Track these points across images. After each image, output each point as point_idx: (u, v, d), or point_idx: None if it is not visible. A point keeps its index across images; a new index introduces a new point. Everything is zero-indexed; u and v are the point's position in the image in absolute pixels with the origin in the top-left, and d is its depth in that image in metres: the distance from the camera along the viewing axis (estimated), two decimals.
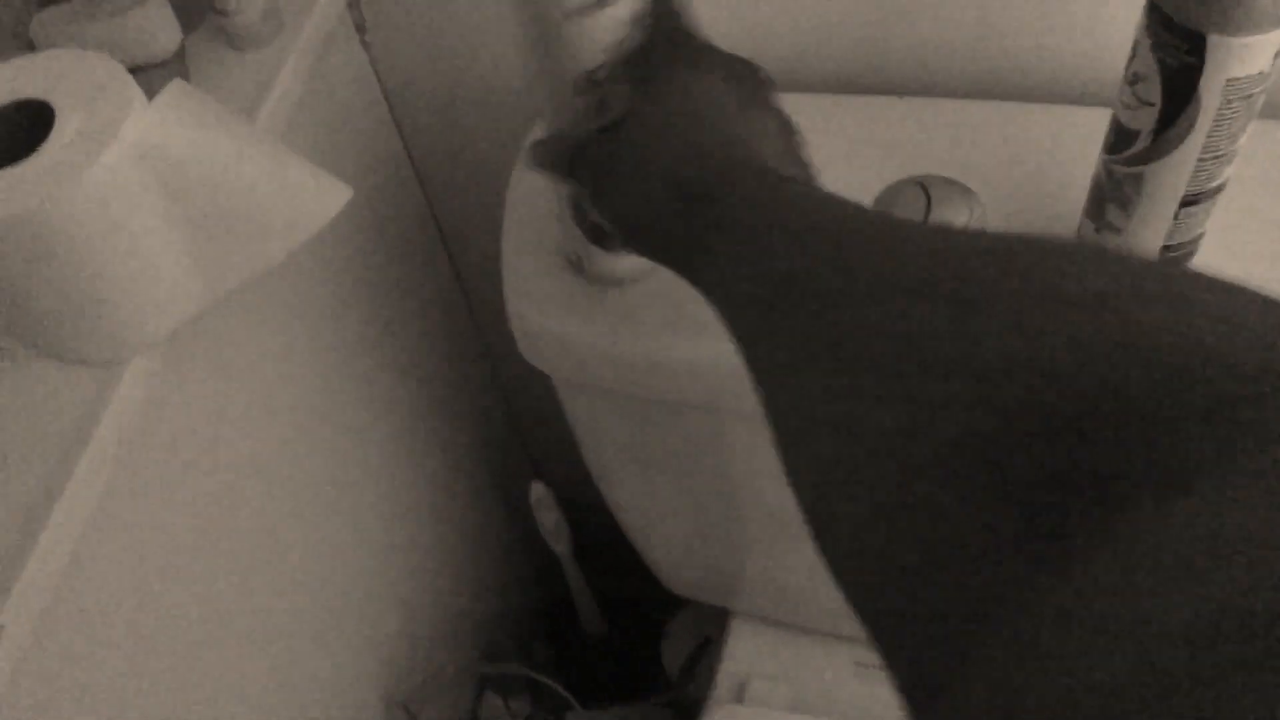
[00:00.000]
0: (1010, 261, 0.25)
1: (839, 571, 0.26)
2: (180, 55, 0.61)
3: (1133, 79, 0.44)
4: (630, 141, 0.42)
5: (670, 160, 0.40)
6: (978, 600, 0.20)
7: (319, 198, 0.55)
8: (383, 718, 0.89)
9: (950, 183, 0.55)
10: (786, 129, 0.42)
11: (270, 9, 0.63)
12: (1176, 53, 0.42)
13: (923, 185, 0.54)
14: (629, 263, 0.57)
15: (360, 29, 0.71)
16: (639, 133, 0.42)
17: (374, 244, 0.78)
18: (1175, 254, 0.49)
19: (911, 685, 0.23)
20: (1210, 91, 0.42)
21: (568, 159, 0.45)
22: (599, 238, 0.53)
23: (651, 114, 0.42)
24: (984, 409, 0.22)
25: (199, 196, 0.51)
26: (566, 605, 1.21)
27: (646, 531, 0.84)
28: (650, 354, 0.59)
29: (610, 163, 0.43)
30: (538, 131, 0.49)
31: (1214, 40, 0.41)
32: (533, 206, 0.64)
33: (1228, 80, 0.42)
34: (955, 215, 0.53)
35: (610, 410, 0.68)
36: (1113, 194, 0.48)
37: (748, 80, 0.43)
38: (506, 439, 1.12)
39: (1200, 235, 0.49)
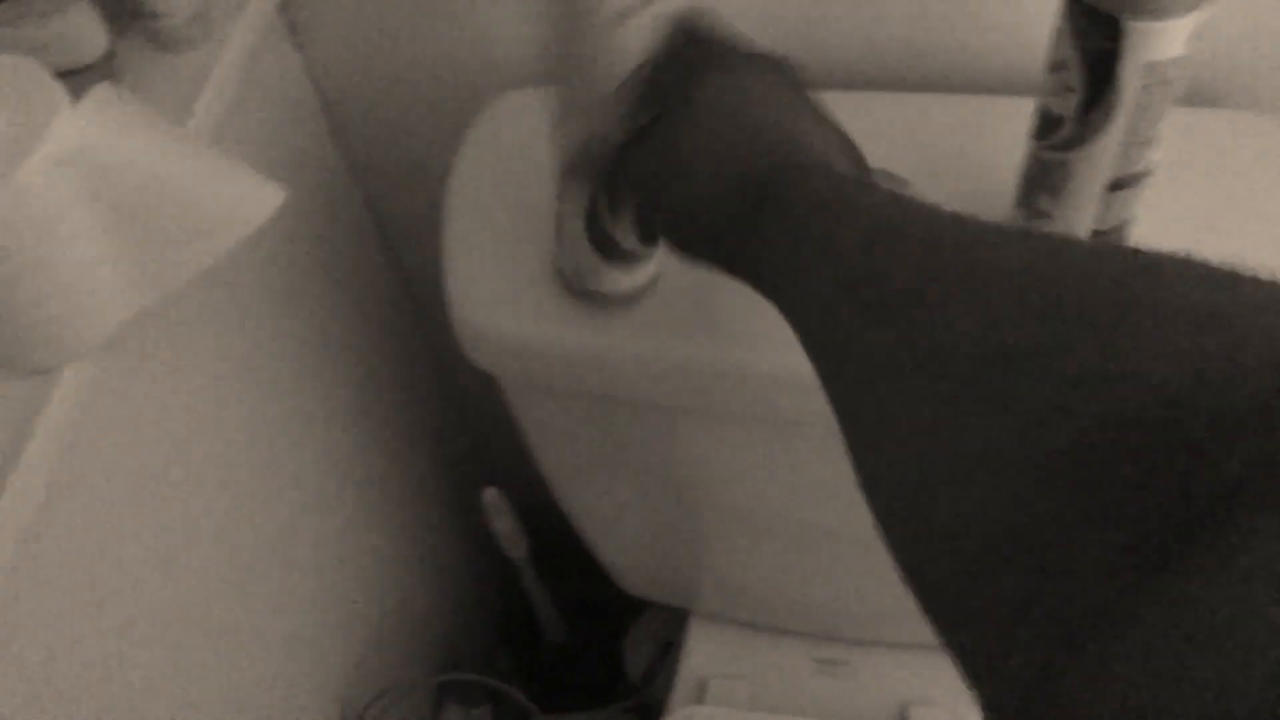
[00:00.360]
0: (1099, 267, 0.25)
1: (930, 574, 0.26)
2: (109, 59, 0.60)
3: (1055, 66, 0.45)
4: (680, 145, 0.41)
5: (727, 160, 0.40)
6: (1090, 604, 0.20)
7: (250, 200, 0.54)
8: None
9: (886, 175, 0.55)
10: (829, 121, 0.42)
11: (199, 11, 0.63)
12: (1095, 38, 0.42)
13: None
14: (638, 279, 0.56)
15: (293, 30, 0.70)
16: (689, 135, 0.41)
17: (312, 247, 0.77)
18: (1107, 239, 0.50)
19: (1005, 686, 0.23)
20: (1130, 76, 0.42)
21: (607, 166, 0.45)
22: (610, 253, 0.52)
23: (700, 116, 0.41)
24: (1092, 422, 0.22)
25: (127, 200, 0.51)
26: (528, 612, 1.20)
27: (602, 534, 0.83)
28: (600, 352, 0.59)
29: (660, 167, 0.42)
30: (564, 136, 0.49)
31: (1130, 25, 0.41)
32: (473, 205, 0.63)
33: (1146, 64, 0.42)
34: None
35: (560, 411, 0.68)
36: (1042, 181, 0.49)
37: (784, 75, 0.43)
38: (459, 443, 1.11)
39: (1130, 220, 0.49)
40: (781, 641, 0.88)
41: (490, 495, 0.97)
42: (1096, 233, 0.49)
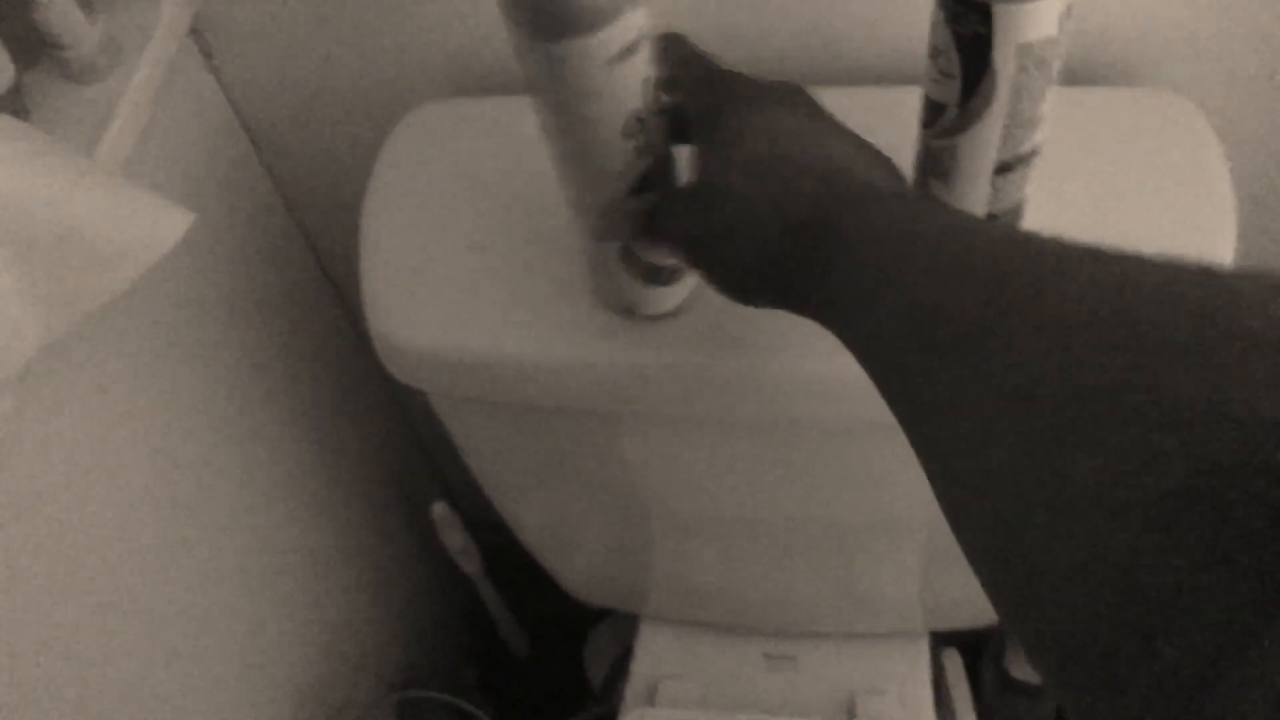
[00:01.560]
0: (1176, 290, 0.25)
1: (1037, 613, 0.25)
2: (15, 91, 0.60)
3: (934, 53, 0.46)
4: (723, 203, 0.41)
5: (774, 210, 0.39)
6: (1216, 644, 0.20)
7: (158, 226, 0.54)
8: None
9: None
10: (857, 138, 0.41)
11: (108, 41, 0.63)
12: (968, 23, 0.43)
13: None
14: (681, 293, 0.55)
15: (206, 53, 0.70)
16: (730, 191, 0.40)
17: (243, 267, 0.77)
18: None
19: None
20: (1004, 59, 0.43)
21: (640, 231, 0.45)
22: (653, 278, 0.52)
23: (735, 166, 0.41)
24: (1197, 462, 0.21)
25: (28, 232, 0.50)
26: (489, 627, 1.20)
27: (545, 544, 0.84)
28: (526, 360, 0.58)
29: (705, 229, 0.42)
30: (577, 194, 0.48)
31: (1000, 8, 0.42)
32: (390, 218, 0.63)
33: (1019, 46, 0.43)
34: None
35: (490, 423, 0.68)
36: (932, 168, 0.49)
37: (798, 100, 0.43)
38: (408, 457, 1.11)
39: (1022, 202, 0.50)
40: (731, 640, 0.89)
41: (440, 509, 0.97)
42: (991, 215, 0.50)
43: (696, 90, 0.44)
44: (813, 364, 0.55)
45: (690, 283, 0.55)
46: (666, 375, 0.57)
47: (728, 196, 0.41)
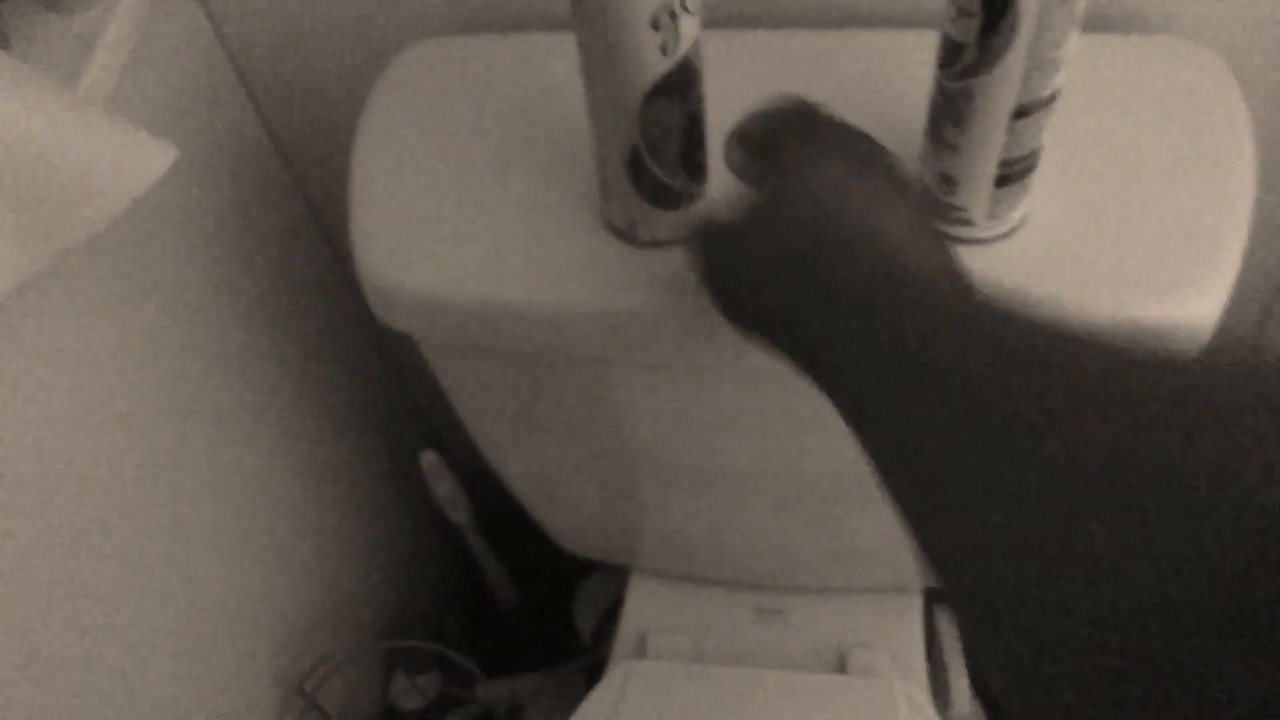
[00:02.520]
0: (1236, 397, 0.25)
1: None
2: None
3: None
4: (764, 223, 0.41)
5: (810, 251, 0.39)
6: None
7: (140, 160, 0.52)
8: (280, 704, 0.87)
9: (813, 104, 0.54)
10: (921, 212, 0.41)
11: None
12: None
13: None
14: (686, 220, 0.55)
15: None
16: (771, 216, 0.41)
17: (228, 205, 0.75)
18: (1015, 168, 0.49)
19: None
20: None
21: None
22: (659, 198, 0.52)
23: (785, 199, 0.41)
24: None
25: (6, 163, 0.49)
26: (478, 578, 1.20)
27: (535, 494, 0.83)
28: (521, 303, 0.57)
29: (741, 243, 0.42)
30: (601, 91, 0.48)
31: None
32: (382, 158, 0.62)
33: None
34: None
35: (481, 370, 0.66)
36: (947, 111, 0.48)
37: (878, 162, 0.42)
38: (396, 404, 1.09)
39: (1037, 149, 0.49)
40: (721, 593, 0.88)
41: (428, 458, 0.96)
42: (1004, 162, 0.48)
43: (787, 125, 0.45)
44: None
45: (695, 212, 0.54)
46: (663, 317, 0.55)
47: (767, 224, 0.41)
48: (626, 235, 0.56)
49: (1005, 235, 0.52)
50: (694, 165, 0.52)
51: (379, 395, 1.05)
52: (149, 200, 0.64)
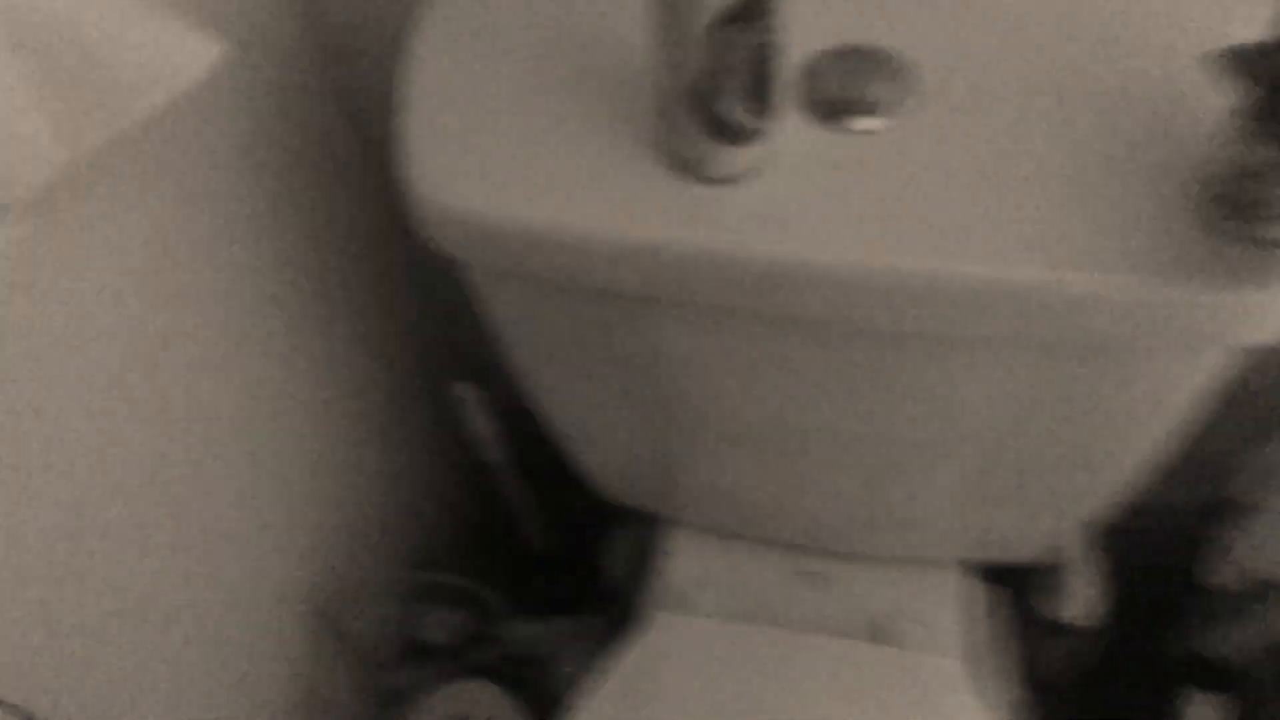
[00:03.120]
0: None
1: None
2: None
3: None
4: None
5: None
6: None
7: (182, 55, 0.51)
8: (299, 627, 0.87)
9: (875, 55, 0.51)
10: None
11: None
12: None
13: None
14: (749, 157, 0.53)
15: None
16: None
17: (266, 116, 0.73)
18: None
19: None
20: None
21: None
22: (722, 133, 0.50)
23: None
24: None
25: (45, 48, 0.47)
26: (507, 517, 1.19)
27: (577, 435, 0.81)
28: (580, 233, 0.54)
29: None
30: (669, 24, 0.47)
31: None
32: (436, 72, 0.59)
33: None
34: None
35: (532, 302, 0.64)
36: None
37: None
38: (434, 332, 1.07)
39: None
40: (759, 552, 0.86)
41: (462, 390, 0.93)
42: None
43: None
44: (884, 260, 0.50)
45: (759, 151, 0.51)
46: (724, 256, 0.53)
47: None
48: (688, 170, 0.53)
49: None
50: (763, 99, 0.49)
51: (414, 322, 1.02)
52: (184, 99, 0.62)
